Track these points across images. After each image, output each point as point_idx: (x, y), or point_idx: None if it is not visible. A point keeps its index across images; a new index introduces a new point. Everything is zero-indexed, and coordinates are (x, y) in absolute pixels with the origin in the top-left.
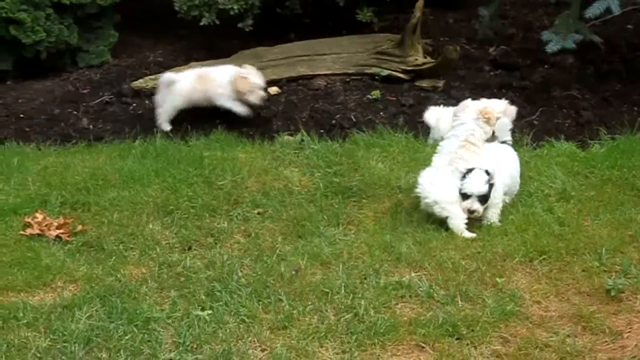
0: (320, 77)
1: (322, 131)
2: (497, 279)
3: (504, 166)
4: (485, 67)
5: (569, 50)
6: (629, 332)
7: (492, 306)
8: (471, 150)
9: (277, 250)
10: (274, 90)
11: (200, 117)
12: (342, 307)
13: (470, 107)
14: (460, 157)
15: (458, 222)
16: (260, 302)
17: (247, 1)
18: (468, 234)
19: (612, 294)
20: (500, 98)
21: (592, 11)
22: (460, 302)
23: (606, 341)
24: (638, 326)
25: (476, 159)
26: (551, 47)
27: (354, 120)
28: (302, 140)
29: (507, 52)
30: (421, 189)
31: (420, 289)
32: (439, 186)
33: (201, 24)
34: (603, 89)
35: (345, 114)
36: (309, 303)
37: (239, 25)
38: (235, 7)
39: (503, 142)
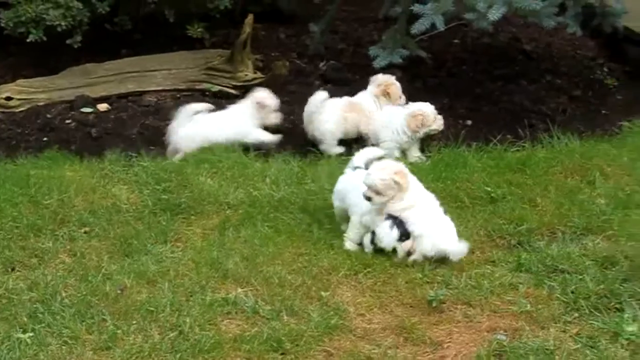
0: (151, 93)
1: (152, 148)
2: (322, 292)
3: None
4: (316, 82)
5: (397, 65)
6: (449, 342)
7: (316, 320)
8: None
9: (103, 270)
10: (103, 107)
11: (29, 134)
12: (167, 325)
13: None
14: None
15: None
16: (84, 323)
17: (75, 17)
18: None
19: (434, 304)
20: None
21: (418, 27)
22: (285, 317)
23: (427, 351)
24: (458, 336)
25: None
26: (379, 62)
27: None
28: (132, 157)
29: (338, 67)
30: None
31: (246, 304)
32: None
33: (28, 40)
34: (430, 103)
35: None
36: (134, 322)
37: (68, 41)
38: (63, 23)
39: None
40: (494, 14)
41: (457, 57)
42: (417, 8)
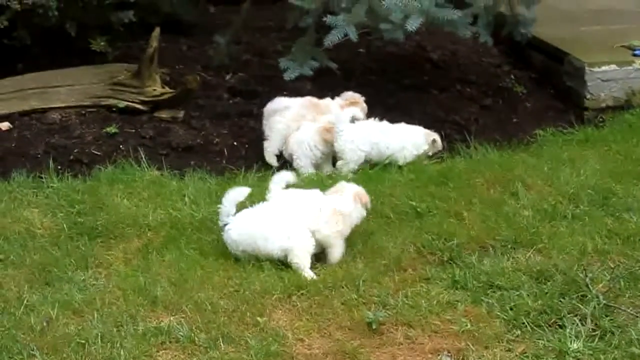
0: (55, 110)
1: (60, 168)
2: (258, 318)
3: None
4: (224, 94)
5: (307, 76)
6: None
7: (255, 347)
8: None
9: (25, 300)
10: (5, 126)
11: None
12: (101, 358)
13: None
14: None
15: None
16: (12, 359)
17: None
18: None
19: (374, 326)
20: (241, 127)
21: (331, 38)
22: (222, 345)
23: None
24: (402, 359)
25: None
26: (289, 75)
27: (94, 154)
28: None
29: (245, 79)
30: None
31: (180, 333)
32: None
33: None
34: None
35: (83, 149)
36: (65, 356)
37: None
38: None
39: None
40: (412, 25)
41: (364, 67)
42: (329, 19)
